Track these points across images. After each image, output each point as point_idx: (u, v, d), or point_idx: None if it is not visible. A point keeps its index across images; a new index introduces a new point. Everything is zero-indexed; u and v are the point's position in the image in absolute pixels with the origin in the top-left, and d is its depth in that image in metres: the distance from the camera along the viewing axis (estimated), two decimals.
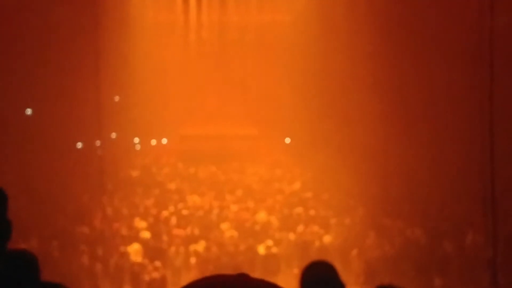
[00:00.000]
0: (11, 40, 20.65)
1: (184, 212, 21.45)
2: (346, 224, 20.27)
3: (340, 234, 19.36)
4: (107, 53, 23.87)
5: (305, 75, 30.85)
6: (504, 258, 14.63)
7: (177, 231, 19.47)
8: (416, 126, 22.08)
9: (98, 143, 24.98)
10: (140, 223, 20.03)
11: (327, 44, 27.85)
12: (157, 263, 16.67)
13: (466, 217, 18.78)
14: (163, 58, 36.23)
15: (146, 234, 18.77)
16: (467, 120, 18.16)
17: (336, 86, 26.90)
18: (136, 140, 34.85)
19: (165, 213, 21.11)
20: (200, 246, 18.13)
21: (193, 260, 17.79)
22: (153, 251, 17.72)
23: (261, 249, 17.95)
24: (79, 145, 26.42)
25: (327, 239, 19.03)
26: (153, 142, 36.61)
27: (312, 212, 21.37)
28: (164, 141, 36.89)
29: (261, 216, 21.10)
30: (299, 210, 21.50)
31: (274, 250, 17.99)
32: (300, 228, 19.61)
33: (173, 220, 20.41)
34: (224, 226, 20.07)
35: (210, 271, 16.41)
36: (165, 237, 18.85)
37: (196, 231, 19.46)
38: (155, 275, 16.32)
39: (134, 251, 17.59)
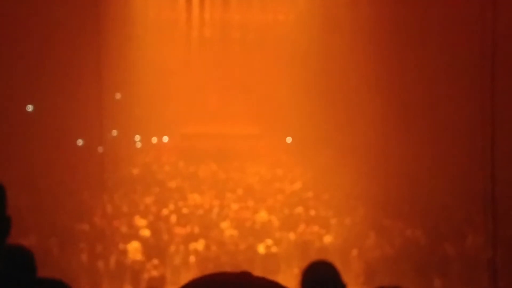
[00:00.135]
0: (14, 38, 20.67)
1: (184, 210, 21.42)
2: (347, 224, 20.23)
3: (340, 234, 19.33)
4: (109, 51, 23.85)
5: (306, 74, 30.82)
6: (504, 259, 14.62)
7: (177, 230, 19.44)
8: (417, 127, 22.08)
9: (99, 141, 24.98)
10: (140, 221, 19.99)
11: (329, 44, 27.85)
12: (157, 261, 16.65)
13: (466, 218, 18.80)
14: (164, 56, 36.14)
15: (146, 232, 18.73)
16: (468, 120, 18.17)
17: (338, 85, 26.91)
18: (137, 138, 34.87)
19: (165, 211, 21.07)
20: (200, 245, 18.10)
21: (192, 258, 17.76)
22: (152, 249, 17.68)
23: (261, 249, 17.92)
24: (80, 142, 26.42)
25: (327, 239, 19.01)
26: (154, 140, 36.59)
27: (312, 212, 21.35)
28: (165, 139, 36.86)
29: (262, 215, 21.07)
30: (299, 209, 21.48)
31: (274, 249, 17.95)
32: (301, 228, 19.58)
33: (173, 219, 20.37)
34: (224, 225, 20.04)
35: (209, 270, 16.37)
36: (165, 236, 18.82)
37: (196, 230, 19.42)
38: (155, 273, 16.29)
39: (134, 249, 17.55)
